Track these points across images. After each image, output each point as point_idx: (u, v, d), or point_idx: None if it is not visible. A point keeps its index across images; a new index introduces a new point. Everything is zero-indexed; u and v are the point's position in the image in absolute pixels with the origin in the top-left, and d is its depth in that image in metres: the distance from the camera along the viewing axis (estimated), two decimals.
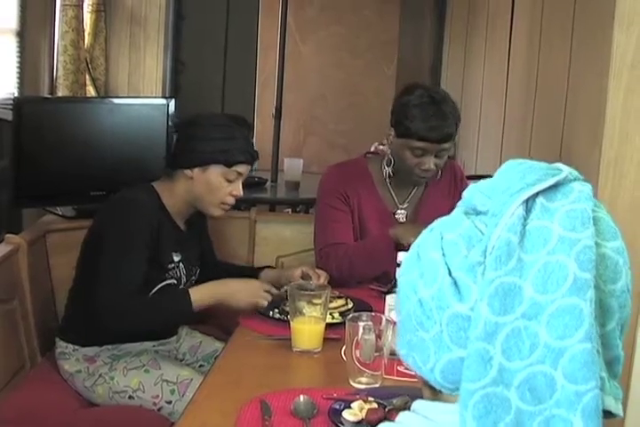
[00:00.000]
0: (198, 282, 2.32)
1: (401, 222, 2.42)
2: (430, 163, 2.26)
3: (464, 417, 0.73)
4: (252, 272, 2.38)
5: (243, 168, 2.16)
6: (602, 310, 0.75)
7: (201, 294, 2.05)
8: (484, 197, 0.79)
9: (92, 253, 2.11)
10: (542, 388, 0.72)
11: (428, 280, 0.79)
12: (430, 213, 2.23)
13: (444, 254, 0.79)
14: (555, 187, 0.76)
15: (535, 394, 0.72)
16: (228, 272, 2.38)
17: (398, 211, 2.44)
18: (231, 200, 2.19)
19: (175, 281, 2.18)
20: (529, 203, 0.75)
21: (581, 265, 0.72)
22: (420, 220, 2.42)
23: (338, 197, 2.39)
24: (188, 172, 2.14)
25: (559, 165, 0.80)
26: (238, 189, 2.18)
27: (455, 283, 0.77)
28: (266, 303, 2.05)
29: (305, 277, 2.23)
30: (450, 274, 0.77)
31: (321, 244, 2.40)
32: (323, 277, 2.23)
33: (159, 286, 2.13)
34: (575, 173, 0.78)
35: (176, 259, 2.19)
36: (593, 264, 0.72)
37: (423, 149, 2.24)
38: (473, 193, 0.81)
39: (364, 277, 2.34)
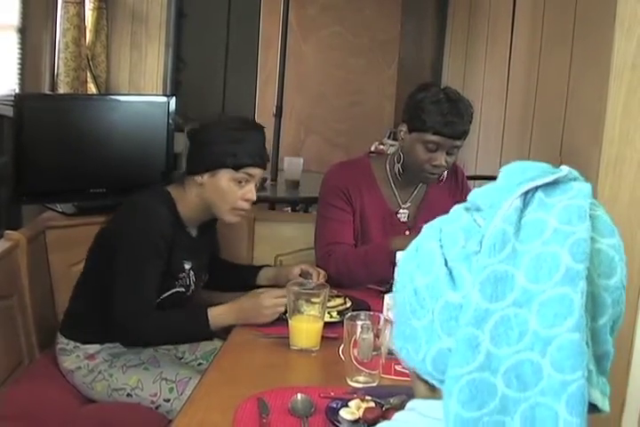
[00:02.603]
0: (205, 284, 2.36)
1: (403, 222, 2.42)
2: (442, 159, 2.26)
3: (448, 403, 0.74)
4: (250, 271, 2.38)
5: (253, 170, 2.10)
6: (594, 304, 0.75)
7: (220, 322, 2.02)
8: (486, 196, 0.80)
9: (105, 260, 2.08)
10: (528, 375, 0.72)
11: (424, 270, 0.80)
12: (432, 212, 2.22)
13: (441, 245, 0.80)
14: (554, 184, 0.76)
15: (521, 381, 0.72)
16: (227, 272, 2.39)
17: (401, 210, 2.44)
18: (244, 205, 2.12)
19: (184, 289, 2.17)
20: (527, 196, 0.76)
21: (574, 256, 0.72)
22: (422, 220, 2.41)
23: (340, 196, 2.39)
24: (198, 178, 2.10)
25: (561, 166, 0.81)
26: (251, 193, 2.11)
27: (450, 273, 0.78)
28: (281, 309, 1.97)
29: (304, 274, 2.23)
30: (446, 264, 0.78)
31: (322, 243, 2.39)
32: (322, 275, 2.23)
33: (167, 293, 2.12)
34: (575, 173, 0.79)
35: (187, 267, 2.17)
36: (586, 256, 0.72)
37: (437, 144, 2.24)
38: (476, 194, 0.82)
39: (360, 283, 2.33)
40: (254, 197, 2.13)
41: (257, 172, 2.11)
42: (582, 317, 0.71)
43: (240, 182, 2.09)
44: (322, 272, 2.24)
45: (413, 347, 0.81)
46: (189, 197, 2.14)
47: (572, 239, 0.73)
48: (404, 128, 2.31)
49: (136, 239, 2.04)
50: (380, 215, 2.41)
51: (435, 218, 0.86)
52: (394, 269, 1.98)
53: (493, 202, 0.77)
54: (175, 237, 2.10)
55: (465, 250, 0.77)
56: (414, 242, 0.86)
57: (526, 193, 0.76)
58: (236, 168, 2.08)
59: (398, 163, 2.38)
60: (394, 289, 0.87)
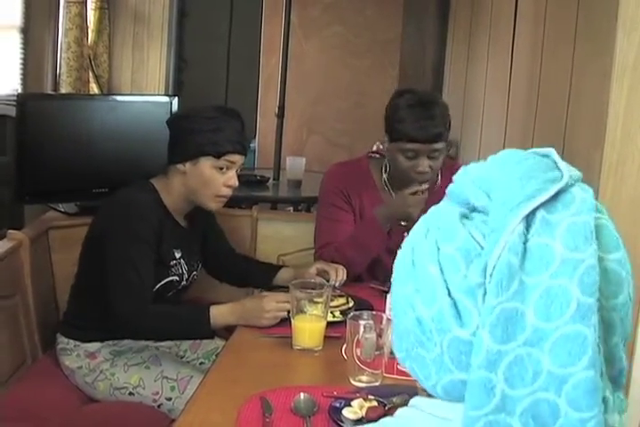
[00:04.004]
0: (217, 273, 2.43)
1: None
2: (424, 165, 2.24)
3: None
4: (269, 271, 2.37)
5: (233, 157, 2.14)
6: (605, 327, 0.73)
7: (221, 320, 2.03)
8: (479, 192, 0.77)
9: (97, 257, 2.10)
10: (546, 415, 0.71)
11: (426, 299, 0.77)
12: None
13: (442, 271, 0.77)
14: (555, 196, 0.74)
15: (539, 421, 0.71)
16: (246, 269, 2.40)
17: None
18: (227, 191, 2.16)
19: (177, 278, 2.19)
20: (529, 217, 0.73)
21: (585, 289, 0.70)
22: None
23: (340, 195, 2.39)
24: (180, 166, 2.14)
25: (557, 160, 0.78)
26: (233, 179, 2.16)
27: (455, 305, 0.75)
28: (283, 314, 1.98)
29: (321, 273, 2.21)
30: (449, 295, 0.76)
31: (321, 242, 2.39)
32: (341, 270, 2.20)
33: (161, 282, 2.14)
34: (575, 173, 0.76)
35: (177, 255, 2.20)
36: (596, 286, 0.71)
37: (414, 151, 2.23)
38: (463, 183, 0.80)
39: (359, 266, 2.31)
40: (236, 184, 2.18)
41: (237, 158, 2.15)
42: (596, 352, 0.70)
43: (221, 169, 2.13)
44: (339, 267, 2.22)
45: (422, 372, 0.79)
46: (173, 186, 2.17)
47: (580, 269, 0.70)
48: (386, 138, 2.32)
49: (125, 232, 2.06)
50: None
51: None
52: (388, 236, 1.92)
53: (494, 225, 0.74)
54: (163, 226, 2.13)
55: (467, 281, 0.75)
56: (408, 253, 0.81)
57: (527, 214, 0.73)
58: (217, 156, 2.12)
59: (386, 173, 2.39)
60: (391, 307, 0.84)
